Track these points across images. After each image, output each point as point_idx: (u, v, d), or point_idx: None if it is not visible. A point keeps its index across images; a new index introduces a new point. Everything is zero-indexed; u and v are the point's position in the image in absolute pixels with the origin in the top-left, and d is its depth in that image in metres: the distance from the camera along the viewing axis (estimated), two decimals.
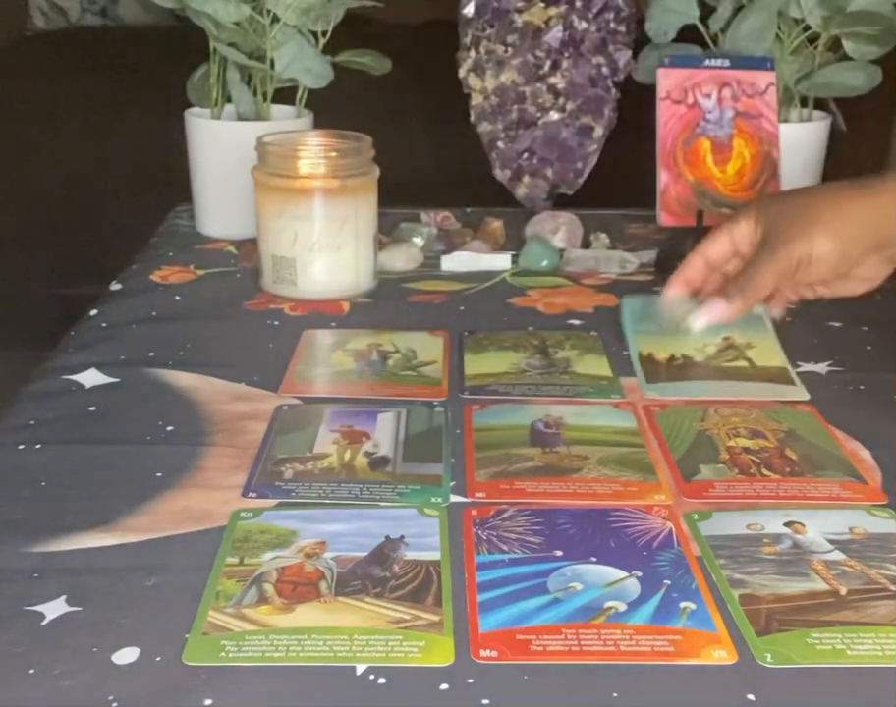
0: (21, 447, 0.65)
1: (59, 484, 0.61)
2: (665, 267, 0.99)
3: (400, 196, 1.07)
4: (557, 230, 1.05)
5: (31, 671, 0.46)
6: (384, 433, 0.68)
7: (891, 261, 0.71)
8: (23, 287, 1.97)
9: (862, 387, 0.75)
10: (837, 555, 0.55)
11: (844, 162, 1.16)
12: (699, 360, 0.79)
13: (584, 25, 1.06)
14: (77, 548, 0.55)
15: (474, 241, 1.04)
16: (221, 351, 0.82)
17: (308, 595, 0.51)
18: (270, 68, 1.05)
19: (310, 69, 1.05)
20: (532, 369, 0.78)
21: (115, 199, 1.95)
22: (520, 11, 1.06)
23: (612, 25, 1.06)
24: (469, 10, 1.07)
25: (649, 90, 1.05)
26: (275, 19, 1.03)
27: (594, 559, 0.54)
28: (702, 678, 0.46)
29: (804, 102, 1.10)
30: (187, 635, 0.48)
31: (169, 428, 0.68)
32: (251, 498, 0.60)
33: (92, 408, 0.71)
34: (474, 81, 1.08)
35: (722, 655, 0.47)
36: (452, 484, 0.62)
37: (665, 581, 0.52)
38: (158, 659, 0.47)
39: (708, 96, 1.04)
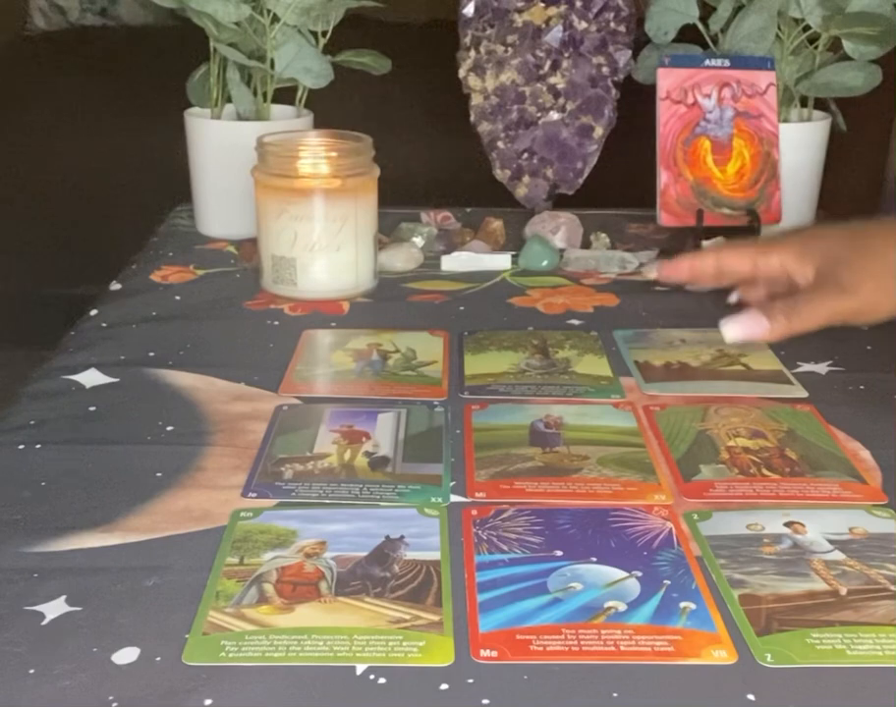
0: (21, 447, 0.65)
1: (59, 484, 0.61)
2: None
3: (400, 196, 1.07)
4: (557, 230, 1.05)
5: (31, 671, 0.46)
6: (384, 433, 0.68)
7: None
8: (23, 287, 1.97)
9: (862, 387, 0.75)
10: (837, 555, 0.55)
11: (844, 162, 1.16)
12: (695, 365, 0.79)
13: (584, 25, 1.06)
14: (77, 548, 0.55)
15: (474, 241, 1.04)
16: (221, 351, 0.82)
17: (307, 595, 0.51)
18: (270, 68, 1.05)
19: (310, 69, 1.05)
20: (531, 369, 0.78)
21: (115, 199, 1.95)
22: (520, 11, 1.06)
23: (612, 25, 1.06)
24: (469, 10, 1.07)
25: (649, 90, 1.05)
26: (275, 19, 1.03)
27: (594, 559, 0.54)
28: (702, 678, 0.46)
29: (804, 102, 1.10)
30: (187, 635, 0.48)
31: (169, 428, 0.68)
32: (251, 498, 0.60)
33: (92, 408, 0.71)
34: (473, 82, 1.08)
35: (722, 655, 0.47)
36: (452, 484, 0.62)
37: (665, 581, 0.52)
38: (158, 659, 0.47)
39: (708, 96, 1.04)
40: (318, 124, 1.08)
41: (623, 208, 1.19)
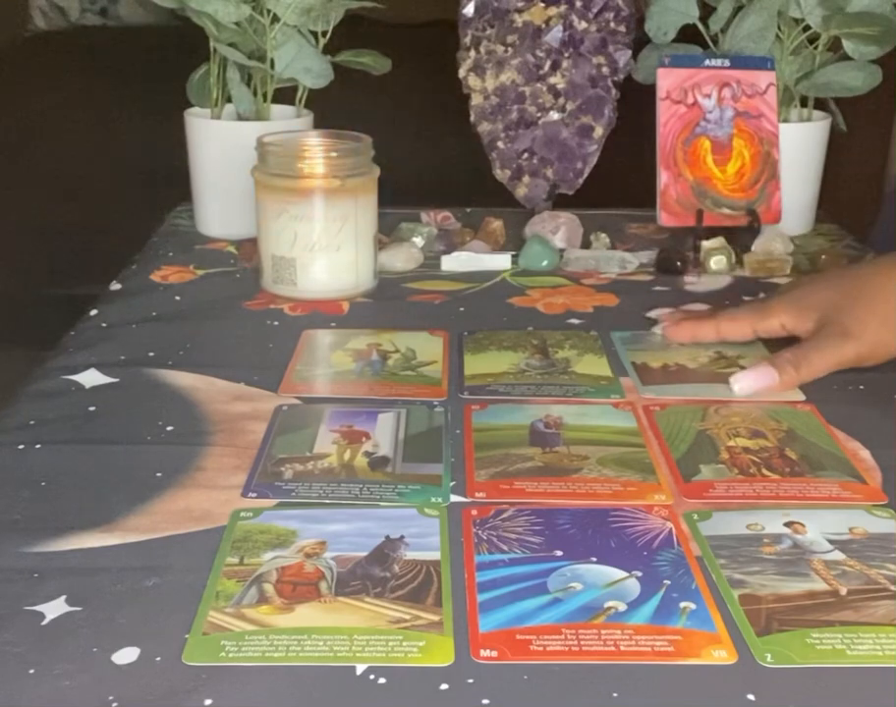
0: (21, 447, 0.65)
1: (59, 484, 0.61)
2: (665, 267, 0.99)
3: (400, 196, 1.07)
4: (557, 230, 1.05)
5: (31, 671, 0.46)
6: (384, 433, 0.68)
7: None
8: (23, 287, 1.98)
9: (862, 387, 0.75)
10: (837, 555, 0.55)
11: (844, 162, 1.16)
12: (692, 367, 0.79)
13: (584, 25, 1.06)
14: (77, 548, 0.55)
15: (474, 241, 1.04)
16: (221, 351, 0.82)
17: (308, 595, 0.51)
18: (270, 68, 1.05)
19: (310, 69, 1.05)
20: (531, 369, 0.78)
21: (115, 199, 1.96)
22: (520, 11, 1.06)
23: (612, 25, 1.06)
24: (469, 10, 1.07)
25: (649, 90, 1.05)
26: (275, 19, 1.03)
27: (594, 559, 0.54)
28: (702, 678, 0.46)
29: (804, 102, 1.10)
30: (187, 635, 0.48)
31: (169, 428, 0.68)
32: (251, 498, 0.60)
33: (92, 408, 0.71)
34: (473, 82, 1.08)
35: (722, 655, 0.47)
36: (452, 484, 0.62)
37: (665, 581, 0.52)
38: (158, 659, 0.47)
39: (708, 96, 1.04)
40: (318, 124, 1.08)
41: (623, 208, 1.19)
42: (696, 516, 0.59)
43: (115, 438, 0.67)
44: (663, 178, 1.03)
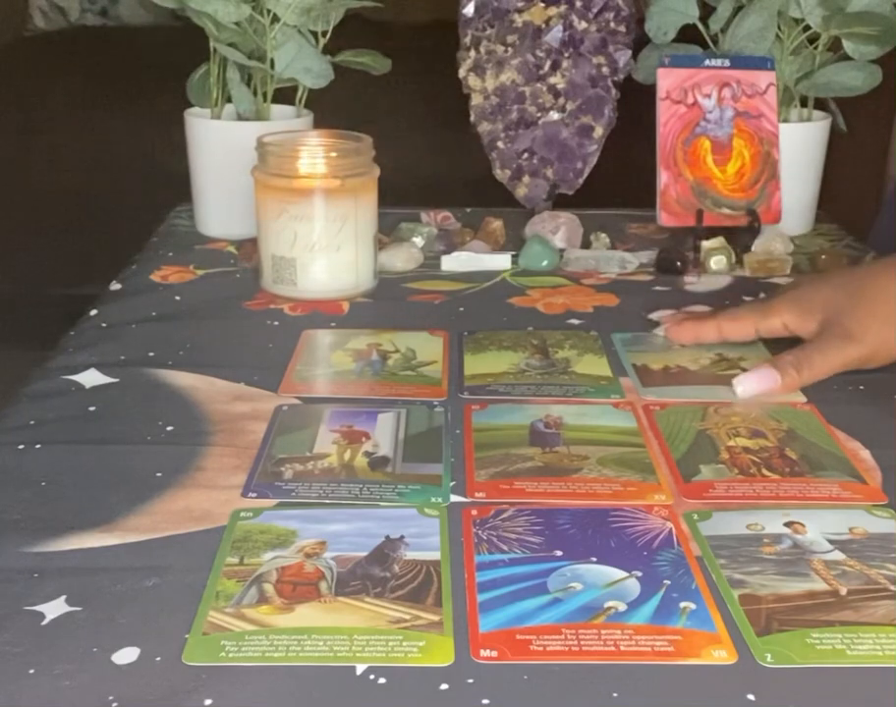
0: (21, 447, 0.65)
1: (59, 484, 0.61)
2: (665, 267, 0.99)
3: (400, 196, 1.07)
4: (557, 230, 1.05)
5: (31, 671, 0.46)
6: (384, 433, 0.68)
7: None
8: (23, 287, 1.98)
9: (862, 387, 0.75)
10: (837, 555, 0.55)
11: (844, 162, 1.16)
12: (693, 369, 0.79)
13: (584, 25, 1.06)
14: (77, 548, 0.55)
15: (474, 241, 1.04)
16: (221, 351, 0.82)
17: (308, 595, 0.51)
18: (270, 68, 1.05)
19: (310, 69, 1.05)
20: (531, 369, 0.78)
21: (115, 199, 1.96)
22: (520, 11, 1.06)
23: (612, 25, 1.06)
24: (469, 10, 1.07)
25: (649, 90, 1.05)
26: (275, 19, 1.03)
27: (594, 559, 0.54)
28: (702, 678, 0.46)
29: (804, 102, 1.10)
30: (187, 635, 0.48)
31: (169, 428, 0.68)
32: (251, 498, 0.60)
33: (92, 408, 0.71)
34: (473, 82, 1.08)
35: (722, 655, 0.47)
36: (452, 484, 0.62)
37: (665, 581, 0.52)
38: (158, 659, 0.47)
39: (708, 96, 1.04)
40: (318, 124, 1.08)
41: (623, 208, 1.19)
42: (696, 516, 0.59)
43: (115, 438, 0.67)
44: (663, 178, 1.03)
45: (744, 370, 0.77)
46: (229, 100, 1.08)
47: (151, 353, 0.80)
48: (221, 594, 0.51)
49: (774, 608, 0.50)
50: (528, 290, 0.95)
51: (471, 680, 0.46)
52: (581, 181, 1.10)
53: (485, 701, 0.44)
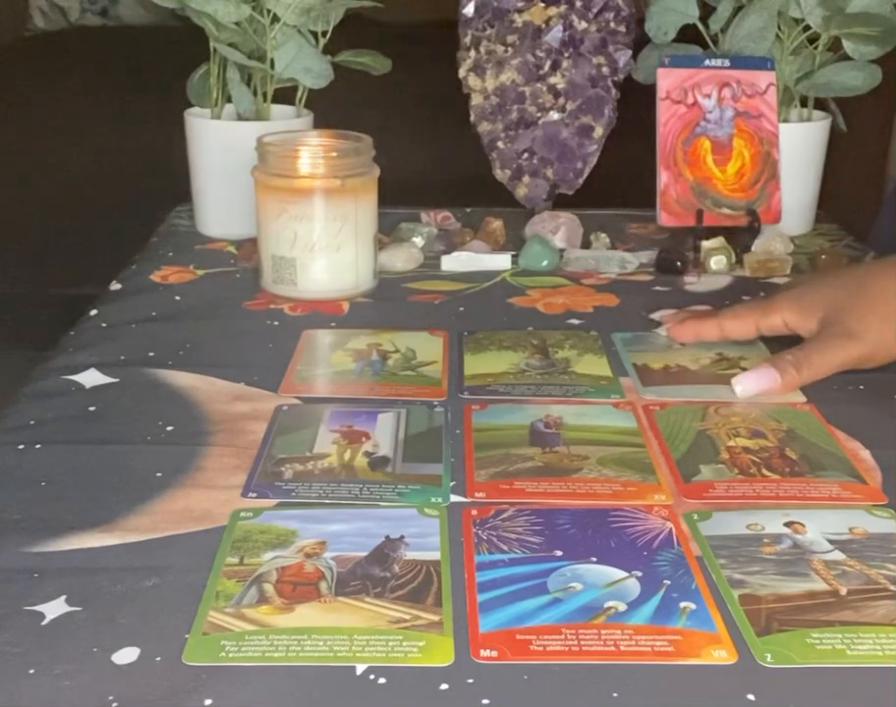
0: (21, 447, 0.65)
1: (59, 484, 0.61)
2: (665, 267, 0.99)
3: (400, 196, 1.07)
4: (557, 230, 1.05)
5: (31, 671, 0.46)
6: (384, 433, 0.68)
7: None
8: (23, 287, 1.98)
9: (862, 387, 0.75)
10: (837, 555, 0.55)
11: (844, 162, 1.16)
12: (693, 369, 0.78)
13: (584, 25, 1.06)
14: (77, 548, 0.55)
15: (474, 241, 1.04)
16: (221, 351, 0.82)
17: (308, 595, 0.51)
18: (270, 68, 1.05)
19: (310, 69, 1.05)
20: (531, 369, 0.78)
21: (115, 199, 1.96)
22: (520, 11, 1.06)
23: (612, 25, 1.06)
24: (469, 10, 1.07)
25: (649, 90, 1.05)
26: (275, 19, 1.03)
27: (594, 559, 0.54)
28: (702, 678, 0.46)
29: (804, 102, 1.10)
30: (187, 635, 0.48)
31: (169, 428, 0.68)
32: (251, 498, 0.60)
33: (92, 408, 0.71)
34: (473, 81, 1.08)
35: (722, 655, 0.47)
36: (452, 484, 0.62)
37: (665, 581, 0.52)
38: (158, 659, 0.47)
39: (708, 96, 1.04)
40: (318, 124, 1.08)
41: (623, 208, 1.19)
42: (696, 516, 0.59)
43: (115, 438, 0.67)
44: (663, 178, 1.03)
45: (744, 370, 0.77)
46: (229, 100, 1.08)
47: (151, 354, 0.80)
48: (221, 594, 0.51)
49: (774, 608, 0.50)
50: (528, 290, 0.95)
51: (471, 680, 0.46)
52: (581, 181, 1.10)
53: (485, 701, 0.44)
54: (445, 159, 1.82)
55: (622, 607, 0.50)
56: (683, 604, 0.51)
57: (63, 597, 0.51)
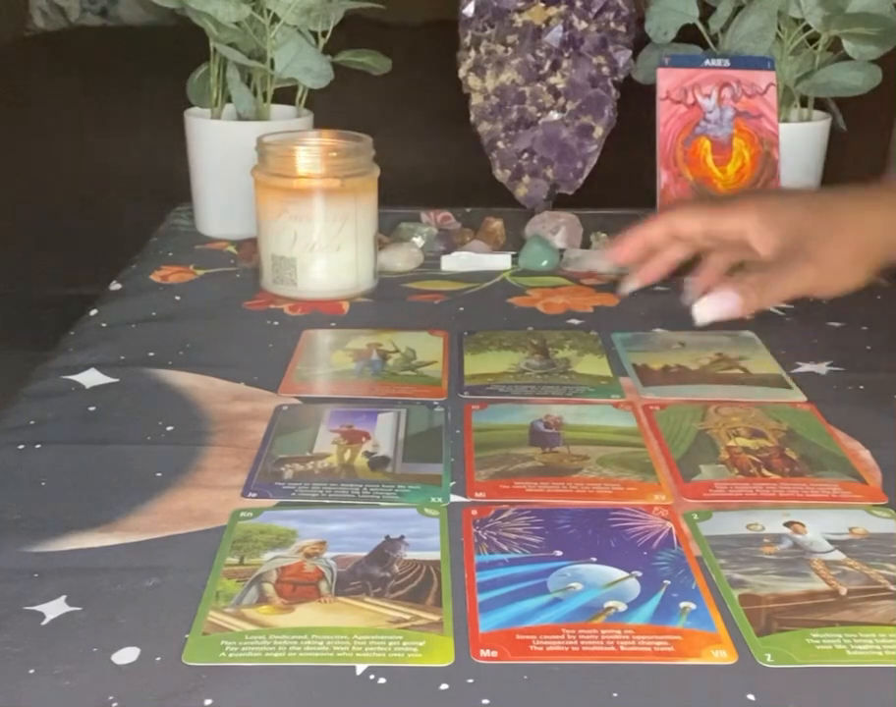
0: (21, 447, 0.65)
1: (59, 484, 0.61)
2: None
3: (400, 196, 1.07)
4: (557, 230, 1.04)
5: (31, 671, 0.46)
6: (384, 433, 0.68)
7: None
8: (23, 287, 1.97)
9: (862, 387, 0.75)
10: (837, 555, 0.55)
11: (844, 162, 1.16)
12: (693, 369, 0.78)
13: (584, 25, 1.06)
14: (77, 548, 0.55)
15: (474, 241, 1.04)
16: (221, 351, 0.82)
17: (308, 595, 0.51)
18: (270, 68, 1.05)
19: (310, 69, 1.05)
20: (531, 369, 0.78)
21: (115, 199, 1.95)
22: (520, 11, 1.06)
23: (612, 25, 1.06)
24: (469, 10, 1.07)
25: (649, 90, 1.05)
26: (275, 19, 1.03)
27: (594, 559, 0.54)
28: (702, 678, 0.46)
29: (804, 102, 1.10)
30: (187, 635, 0.48)
31: (169, 428, 0.68)
32: (251, 498, 0.60)
33: (92, 408, 0.71)
34: (473, 82, 1.08)
35: (722, 655, 0.47)
36: (452, 484, 0.62)
37: (665, 581, 0.52)
38: (158, 659, 0.47)
39: (708, 96, 1.04)
40: (318, 124, 1.08)
41: (623, 208, 1.19)
42: (696, 516, 0.59)
43: (115, 438, 0.67)
44: (663, 178, 1.03)
45: (744, 370, 0.77)
46: (229, 100, 1.08)
47: (151, 354, 0.79)
48: (221, 594, 0.51)
49: (774, 608, 0.50)
50: (528, 290, 0.95)
51: (471, 680, 0.46)
52: (581, 181, 1.10)
53: (485, 701, 0.44)
54: (445, 159, 1.82)
55: (622, 607, 0.50)
56: (683, 604, 0.51)
57: (63, 597, 0.51)
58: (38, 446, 0.65)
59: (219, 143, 1.06)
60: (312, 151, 0.91)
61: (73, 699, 0.44)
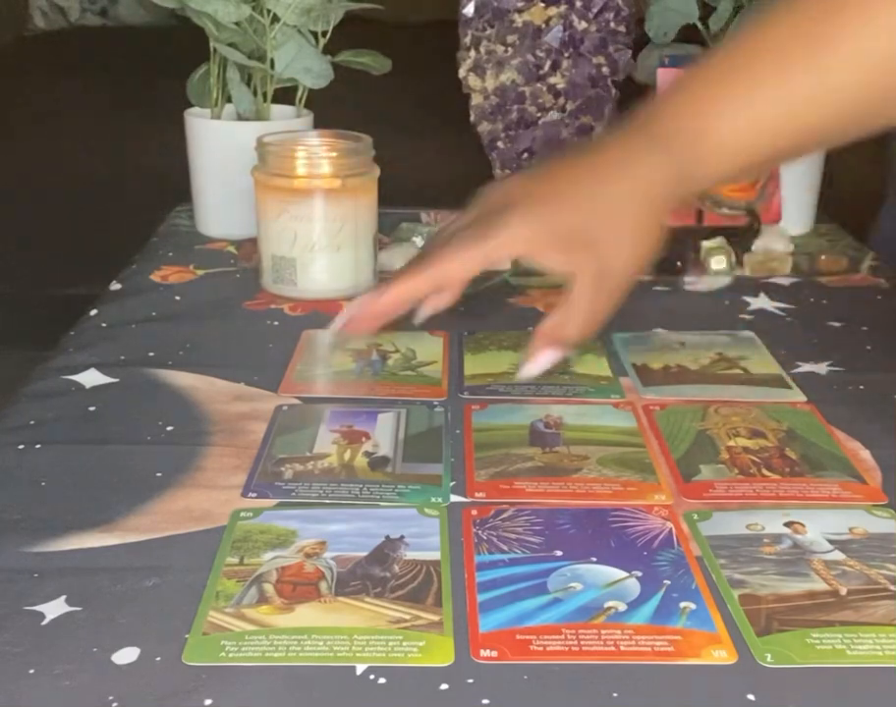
0: (21, 447, 0.65)
1: (59, 484, 0.61)
2: (665, 267, 0.99)
3: (400, 196, 1.07)
4: None
5: (31, 671, 0.46)
6: (384, 433, 0.68)
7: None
8: (23, 287, 1.97)
9: (862, 387, 0.75)
10: (837, 555, 0.55)
11: (844, 162, 1.16)
12: (693, 369, 0.78)
13: (584, 25, 1.06)
14: (77, 548, 0.55)
15: None
16: (221, 351, 0.82)
17: (307, 595, 0.51)
18: (270, 68, 1.05)
19: (310, 69, 1.05)
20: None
21: (115, 199, 1.95)
22: (520, 11, 1.06)
23: (612, 25, 1.06)
24: (469, 10, 1.07)
25: (649, 90, 1.05)
26: (275, 19, 1.03)
27: (594, 559, 0.54)
28: (702, 678, 0.46)
29: None
30: (187, 635, 0.48)
31: (169, 428, 0.68)
32: (250, 498, 0.60)
33: (92, 408, 0.71)
34: (473, 81, 1.08)
35: (722, 655, 0.47)
36: (452, 484, 0.62)
37: (665, 581, 0.52)
38: (158, 659, 0.47)
39: None
40: (318, 124, 1.08)
41: None
42: (696, 516, 0.59)
43: (115, 438, 0.67)
44: None
45: (744, 371, 0.77)
46: (229, 100, 1.08)
47: (151, 354, 0.79)
48: (221, 594, 0.51)
49: (774, 608, 0.50)
50: (528, 290, 0.95)
51: (471, 680, 0.46)
52: None
53: (485, 701, 0.44)
54: (445, 159, 1.82)
55: (622, 607, 0.50)
56: (683, 604, 0.51)
57: (63, 597, 0.51)
58: (38, 446, 0.65)
59: (219, 143, 1.06)
60: (312, 151, 0.91)
61: (73, 699, 0.44)
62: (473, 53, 1.07)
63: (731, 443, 0.67)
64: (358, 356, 0.80)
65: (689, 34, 1.08)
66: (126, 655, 0.47)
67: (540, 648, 0.47)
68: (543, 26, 1.06)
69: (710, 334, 0.85)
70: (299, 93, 1.08)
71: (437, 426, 0.69)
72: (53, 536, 0.56)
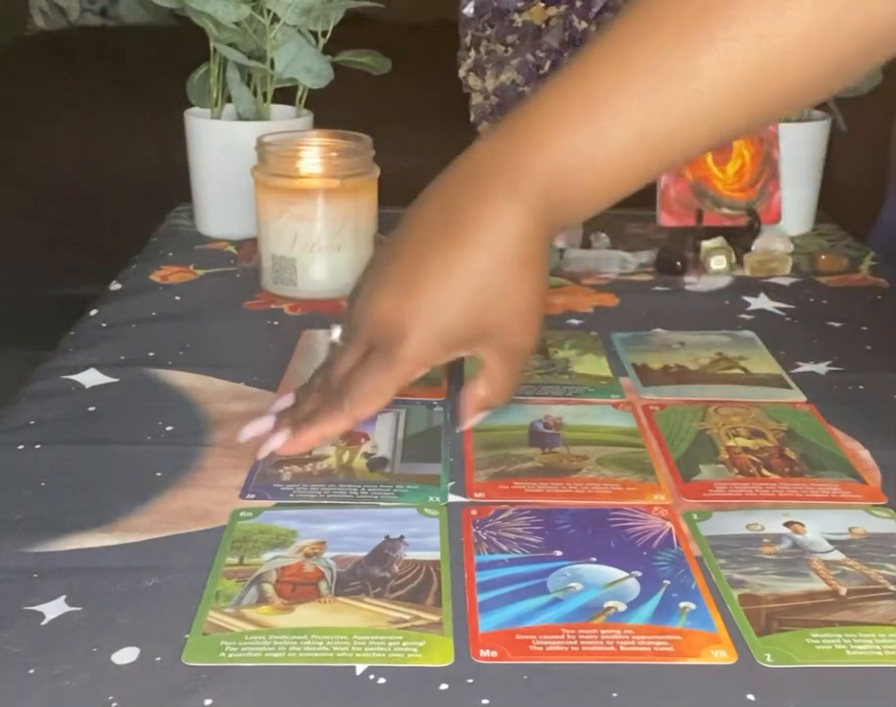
0: (21, 447, 0.65)
1: (59, 484, 0.61)
2: (665, 267, 0.99)
3: (400, 196, 1.07)
4: None
5: (31, 671, 0.46)
6: (383, 434, 0.68)
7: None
8: (23, 287, 1.98)
9: (861, 387, 0.75)
10: (837, 555, 0.55)
11: (844, 162, 1.16)
12: (693, 369, 0.78)
13: (584, 25, 1.06)
14: (77, 548, 0.55)
15: None
16: (221, 351, 0.82)
17: (307, 595, 0.51)
18: (270, 68, 1.05)
19: (310, 69, 1.05)
20: (531, 369, 0.78)
21: (115, 199, 1.96)
22: (520, 11, 1.06)
23: None
24: (469, 10, 1.07)
25: None
26: (275, 19, 1.03)
27: (594, 559, 0.54)
28: (702, 678, 0.46)
29: None
30: (187, 635, 0.48)
31: (169, 428, 0.68)
32: (249, 499, 0.60)
33: (92, 408, 0.71)
34: (474, 81, 1.08)
35: (722, 655, 0.47)
36: (451, 484, 0.62)
37: (665, 581, 0.52)
38: (158, 659, 0.47)
39: None
40: (318, 124, 1.08)
41: (623, 208, 1.19)
42: (695, 516, 0.59)
43: (115, 438, 0.67)
44: (663, 177, 1.02)
45: (744, 370, 0.77)
46: (229, 100, 1.08)
47: (151, 354, 0.79)
48: (221, 594, 0.51)
49: (774, 608, 0.50)
50: None
51: (470, 680, 0.46)
52: None
53: (485, 701, 0.44)
54: (445, 159, 1.82)
55: (622, 607, 0.50)
56: (683, 604, 0.51)
57: (63, 597, 0.51)
58: (38, 446, 0.65)
59: (219, 143, 1.06)
60: (312, 151, 0.92)
61: (73, 699, 0.44)
62: (473, 53, 1.07)
63: (731, 443, 0.67)
64: None
65: None
66: (126, 655, 0.47)
67: (540, 648, 0.47)
68: (543, 26, 1.06)
69: (710, 334, 0.85)
70: (299, 93, 1.08)
71: (436, 426, 0.69)
72: (53, 536, 0.56)
